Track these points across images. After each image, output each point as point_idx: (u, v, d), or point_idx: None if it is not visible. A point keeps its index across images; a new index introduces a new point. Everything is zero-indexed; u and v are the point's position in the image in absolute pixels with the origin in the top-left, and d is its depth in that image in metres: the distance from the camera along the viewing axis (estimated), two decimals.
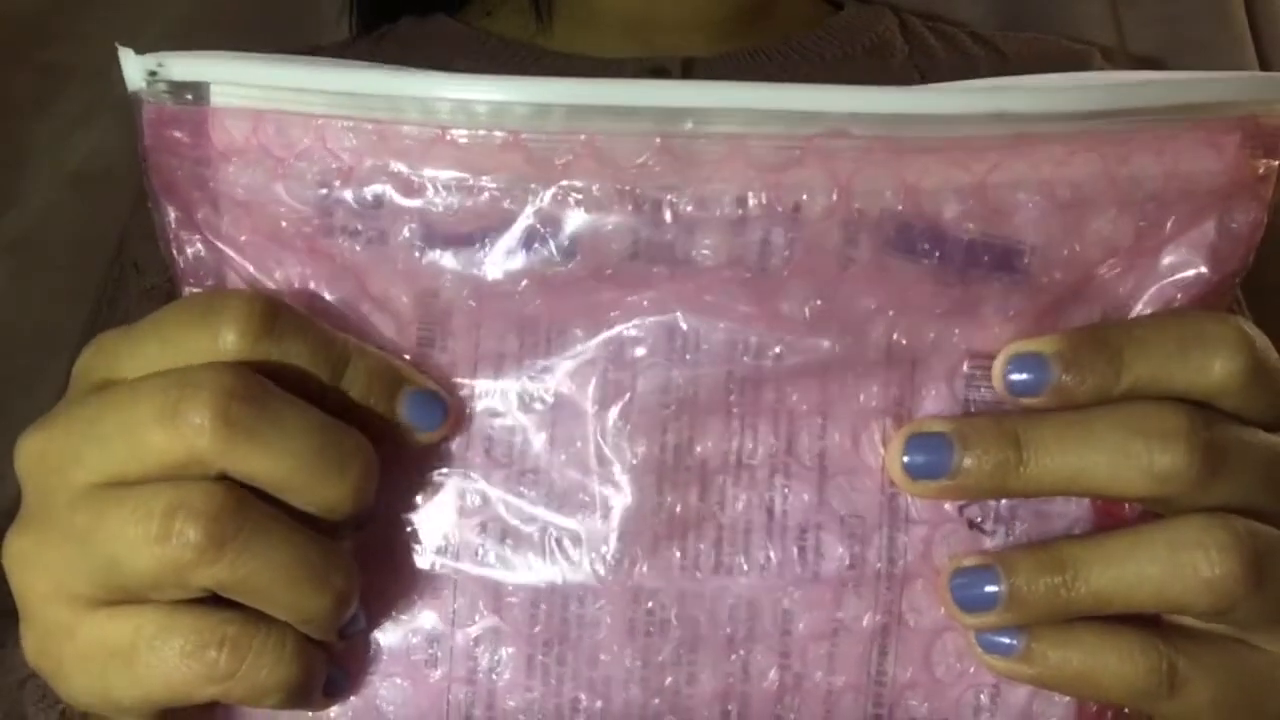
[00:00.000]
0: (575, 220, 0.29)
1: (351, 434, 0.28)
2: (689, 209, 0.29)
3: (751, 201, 0.29)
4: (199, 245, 0.31)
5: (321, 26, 0.63)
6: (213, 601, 0.28)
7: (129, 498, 0.27)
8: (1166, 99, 0.29)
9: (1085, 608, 0.29)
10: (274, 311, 0.28)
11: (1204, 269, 0.30)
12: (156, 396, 0.27)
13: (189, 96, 0.29)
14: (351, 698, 0.31)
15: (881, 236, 0.29)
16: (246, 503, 0.27)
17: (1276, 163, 0.30)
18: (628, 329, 0.30)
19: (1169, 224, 0.30)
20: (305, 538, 0.28)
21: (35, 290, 0.59)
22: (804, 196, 0.29)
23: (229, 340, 0.28)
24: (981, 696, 0.31)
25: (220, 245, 0.30)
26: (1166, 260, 0.30)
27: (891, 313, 0.30)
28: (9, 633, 0.37)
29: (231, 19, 0.62)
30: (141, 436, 0.27)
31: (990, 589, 0.29)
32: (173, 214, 0.31)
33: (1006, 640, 0.29)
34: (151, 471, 0.27)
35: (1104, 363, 0.29)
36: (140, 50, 0.29)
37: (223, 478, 0.28)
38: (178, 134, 0.30)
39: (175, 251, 0.31)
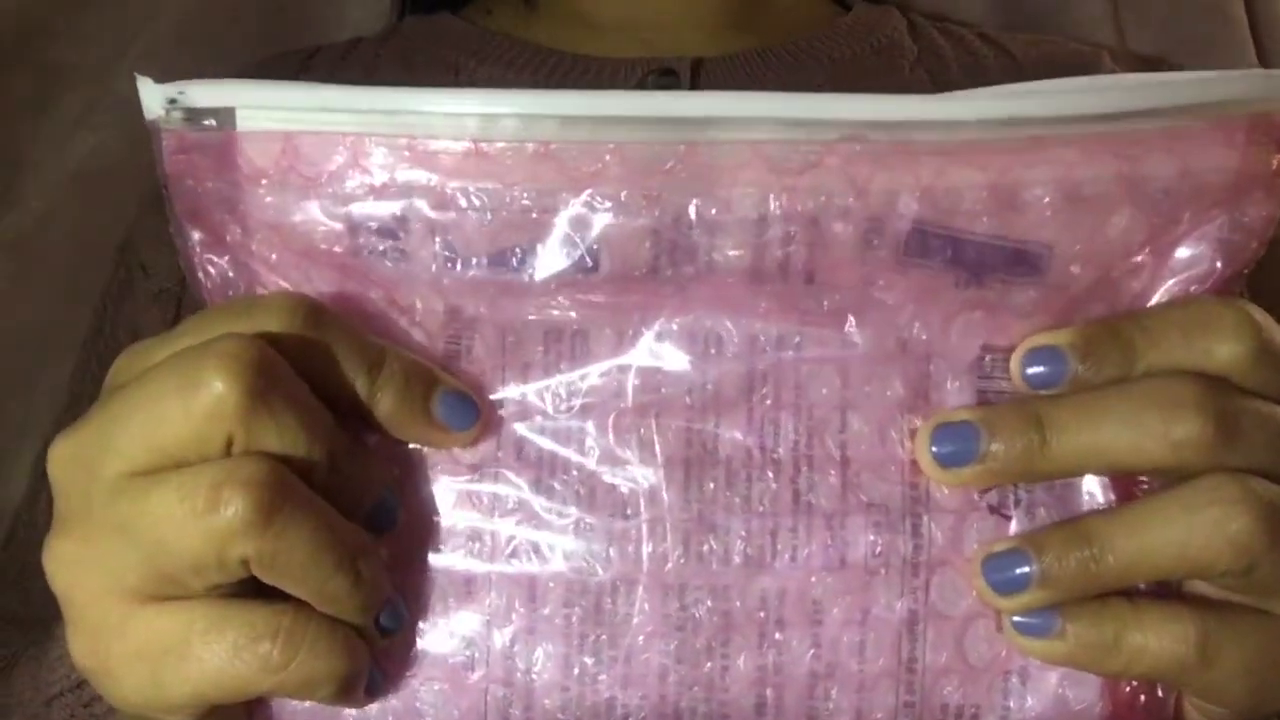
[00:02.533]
0: (602, 227, 0.30)
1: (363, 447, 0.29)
2: (712, 212, 0.30)
3: (772, 205, 0.30)
4: (225, 265, 0.31)
5: (321, 25, 0.63)
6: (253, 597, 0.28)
7: (173, 477, 0.27)
8: (1178, 99, 0.30)
9: (1115, 579, 0.29)
10: (317, 307, 0.29)
11: (1217, 263, 0.31)
12: (176, 369, 0.27)
13: (209, 122, 0.30)
14: (392, 701, 0.31)
15: (898, 240, 0.30)
16: (289, 477, 0.27)
17: None
18: (652, 331, 0.31)
19: (1182, 221, 0.31)
20: (338, 519, 0.28)
21: (35, 290, 0.59)
22: (822, 199, 0.30)
23: (269, 328, 0.28)
24: (1012, 680, 0.31)
25: (250, 264, 0.31)
26: (1180, 256, 0.31)
27: (909, 309, 0.31)
28: (37, 645, 0.36)
29: (232, 18, 0.62)
30: (163, 411, 0.27)
31: (1022, 570, 0.30)
32: (197, 237, 0.31)
33: (1040, 622, 0.30)
34: (177, 447, 0.27)
35: (1117, 352, 0.30)
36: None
37: None
38: (201, 160, 0.30)
39: (200, 273, 0.31)
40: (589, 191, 0.30)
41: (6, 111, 0.58)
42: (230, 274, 0.31)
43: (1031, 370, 0.30)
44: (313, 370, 0.29)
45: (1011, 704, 0.31)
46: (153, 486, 0.27)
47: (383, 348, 0.30)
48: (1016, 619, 0.30)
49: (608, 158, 0.29)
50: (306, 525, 0.27)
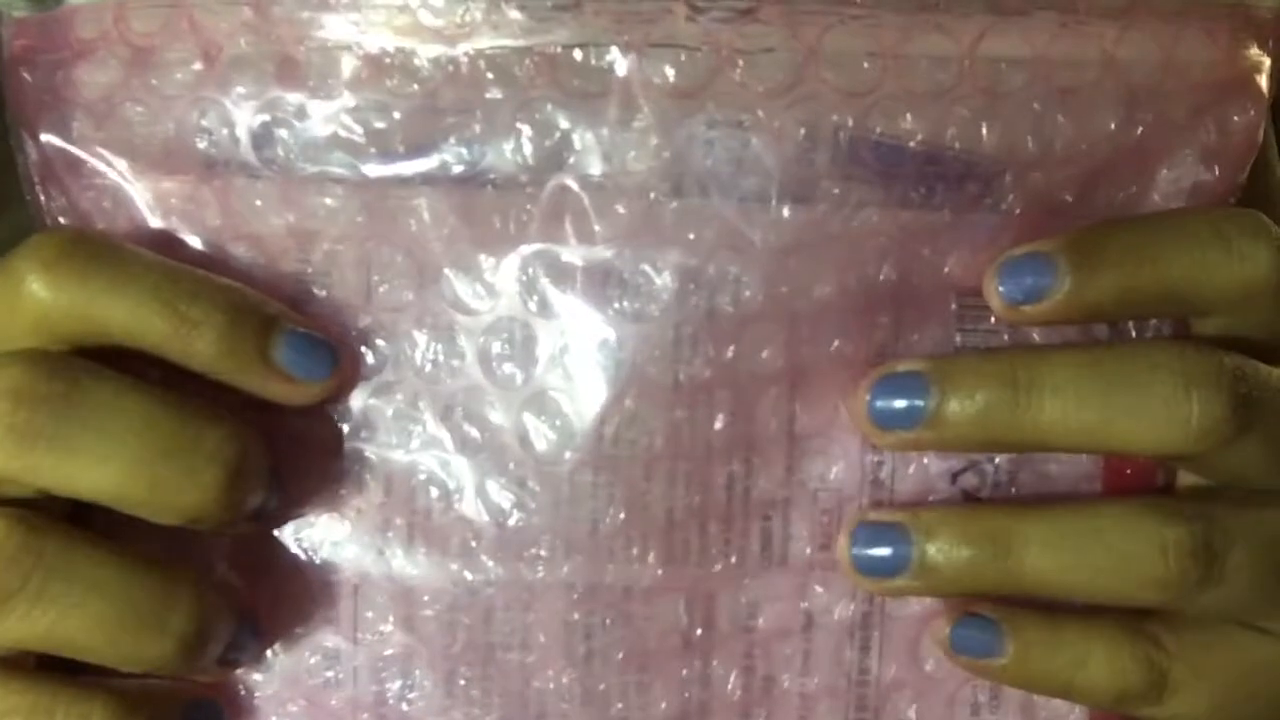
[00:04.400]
0: (487, 106, 0.25)
1: (212, 416, 0.24)
2: (626, 71, 0.25)
3: (699, 70, 0.25)
4: (59, 175, 0.27)
5: None
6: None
7: None
8: None
9: (1019, 591, 0.25)
10: (70, 246, 0.24)
11: (1206, 175, 0.27)
12: None
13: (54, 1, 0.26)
14: None
15: (850, 140, 0.25)
16: (41, 536, 0.23)
17: (1268, 59, 0.27)
18: (552, 267, 0.26)
19: (1169, 123, 0.26)
20: (130, 573, 0.23)
21: None
22: (761, 67, 0.25)
23: (32, 293, 0.23)
24: (979, 694, 0.27)
25: (67, 176, 0.27)
26: (1166, 171, 0.27)
27: (870, 240, 0.26)
28: None
29: None
30: None
31: (898, 551, 0.25)
32: (34, 153, 0.27)
33: (982, 640, 0.25)
34: None
35: (1122, 253, 0.24)
36: None
37: (40, 498, 0.24)
38: (36, 43, 0.26)
39: (45, 198, 0.27)
40: (467, 51, 0.25)
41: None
42: (64, 196, 0.27)
43: (1007, 285, 0.25)
44: (90, 326, 0.24)
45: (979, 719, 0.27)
46: None
47: (196, 275, 0.24)
48: (956, 635, 0.26)
49: (490, 7, 0.25)
50: (76, 595, 0.23)
